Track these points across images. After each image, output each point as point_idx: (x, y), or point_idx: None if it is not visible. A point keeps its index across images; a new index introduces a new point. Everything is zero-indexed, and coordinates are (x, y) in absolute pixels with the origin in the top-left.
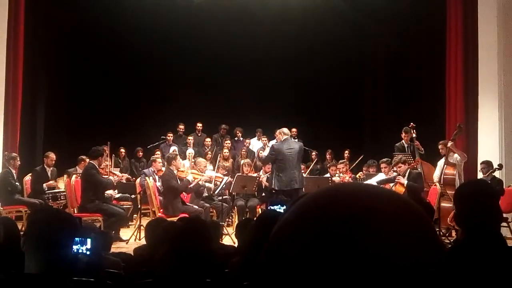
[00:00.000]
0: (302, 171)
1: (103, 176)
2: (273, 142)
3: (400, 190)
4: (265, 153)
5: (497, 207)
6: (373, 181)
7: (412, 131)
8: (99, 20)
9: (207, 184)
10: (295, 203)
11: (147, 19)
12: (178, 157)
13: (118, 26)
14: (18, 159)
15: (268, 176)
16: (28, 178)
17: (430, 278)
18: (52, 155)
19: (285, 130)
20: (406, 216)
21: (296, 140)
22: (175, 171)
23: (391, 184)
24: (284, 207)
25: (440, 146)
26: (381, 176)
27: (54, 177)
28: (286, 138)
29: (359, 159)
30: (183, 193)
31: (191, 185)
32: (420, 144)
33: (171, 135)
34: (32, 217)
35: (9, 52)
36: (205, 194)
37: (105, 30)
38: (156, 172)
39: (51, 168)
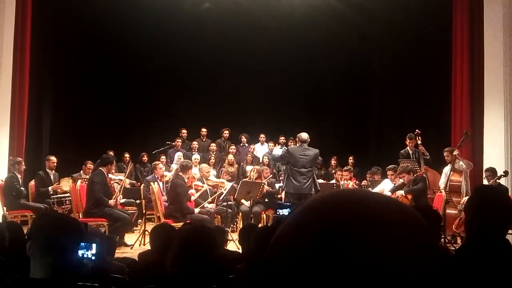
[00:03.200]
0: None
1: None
2: (278, 147)
3: (406, 201)
4: (276, 151)
5: (505, 214)
6: (380, 187)
7: (417, 138)
8: (104, 26)
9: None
10: (297, 208)
11: (153, 25)
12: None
13: (123, 32)
14: (23, 164)
15: (268, 181)
16: (33, 183)
17: (430, 286)
18: (53, 159)
19: (303, 135)
20: (405, 223)
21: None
22: (186, 179)
23: (398, 193)
24: None
25: (445, 154)
26: (387, 183)
27: (56, 181)
28: (302, 144)
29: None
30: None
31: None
32: (425, 150)
33: (180, 140)
34: (37, 222)
35: (16, 57)
36: (209, 199)
37: (110, 35)
38: (159, 178)
39: (53, 172)
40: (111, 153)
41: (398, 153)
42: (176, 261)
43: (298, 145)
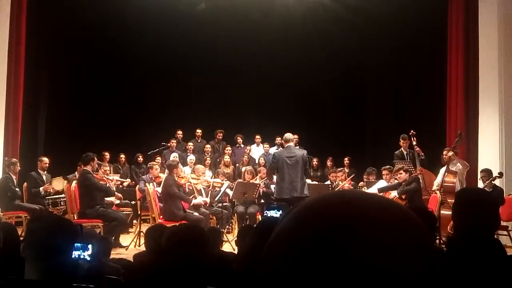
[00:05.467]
0: (308, 179)
1: (101, 182)
2: (274, 148)
3: (400, 202)
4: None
5: (491, 215)
6: (374, 188)
7: (412, 138)
8: (99, 27)
9: (201, 199)
10: (292, 210)
11: (148, 26)
12: (180, 165)
13: (118, 33)
14: (18, 165)
15: (265, 182)
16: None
17: (425, 286)
18: (45, 159)
19: (287, 136)
20: (402, 224)
21: (298, 147)
22: (176, 178)
23: (392, 195)
24: (280, 211)
25: (444, 152)
26: (382, 183)
27: (48, 182)
28: (289, 145)
29: (350, 177)
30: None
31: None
32: (420, 150)
33: (174, 141)
34: (32, 224)
35: (11, 58)
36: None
37: (105, 36)
38: (154, 178)
39: (45, 173)
40: (107, 153)
41: (393, 154)
42: (170, 261)
43: (285, 147)
